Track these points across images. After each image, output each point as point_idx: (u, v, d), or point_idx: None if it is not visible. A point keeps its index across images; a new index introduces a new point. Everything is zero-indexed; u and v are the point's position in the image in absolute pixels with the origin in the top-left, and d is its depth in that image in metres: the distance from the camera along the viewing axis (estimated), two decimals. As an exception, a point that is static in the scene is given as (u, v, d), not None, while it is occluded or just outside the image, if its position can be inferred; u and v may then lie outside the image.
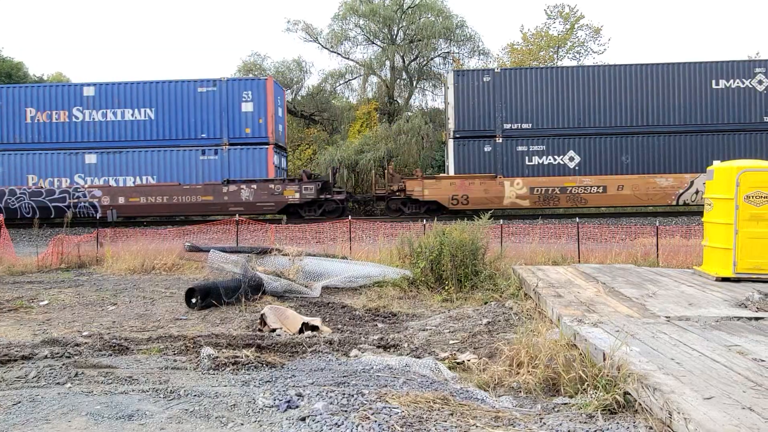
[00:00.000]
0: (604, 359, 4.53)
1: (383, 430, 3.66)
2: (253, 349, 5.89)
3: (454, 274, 9.95)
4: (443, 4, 37.50)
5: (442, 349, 6.34)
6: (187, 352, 6.05)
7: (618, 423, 3.82)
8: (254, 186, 22.26)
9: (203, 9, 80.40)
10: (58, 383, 4.86)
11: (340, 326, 7.69)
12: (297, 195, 22.37)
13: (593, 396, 4.25)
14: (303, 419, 3.88)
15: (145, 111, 22.71)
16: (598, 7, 65.39)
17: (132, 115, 22.72)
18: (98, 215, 22.40)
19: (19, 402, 4.34)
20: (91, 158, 22.70)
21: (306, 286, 9.78)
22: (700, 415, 3.36)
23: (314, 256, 11.64)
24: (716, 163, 9.26)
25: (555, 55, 36.85)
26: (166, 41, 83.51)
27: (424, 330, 7.35)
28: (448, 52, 38.51)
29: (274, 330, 7.17)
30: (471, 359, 5.80)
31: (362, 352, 6.10)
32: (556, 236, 14.96)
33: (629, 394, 4.08)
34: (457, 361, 5.85)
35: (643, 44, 67.35)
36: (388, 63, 37.54)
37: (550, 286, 8.15)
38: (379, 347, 6.41)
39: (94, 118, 22.77)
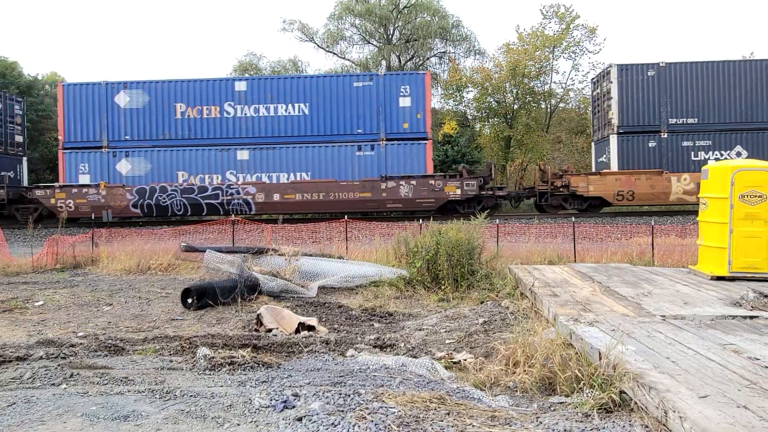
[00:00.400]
0: (600, 358, 4.54)
1: (380, 429, 3.65)
2: (249, 349, 5.88)
3: (450, 273, 9.96)
4: (439, 4, 37.59)
5: (439, 348, 6.35)
6: (183, 353, 6.04)
7: (614, 422, 3.83)
8: (413, 182, 21.77)
9: (198, 9, 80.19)
10: (53, 384, 4.84)
11: (336, 326, 7.69)
12: (458, 191, 21.86)
13: (589, 395, 4.26)
14: (299, 419, 3.87)
15: (299, 106, 22.24)
16: (594, 7, 65.56)
17: (286, 110, 22.26)
18: (252, 212, 21.93)
19: (14, 403, 4.32)
20: (243, 154, 22.22)
21: (302, 286, 9.77)
22: (696, 414, 3.38)
23: (310, 255, 11.63)
24: (711, 163, 9.29)
25: (551, 55, 36.92)
26: (161, 41, 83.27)
27: (420, 330, 7.35)
28: (444, 52, 38.59)
29: (270, 330, 7.16)
30: (467, 359, 5.80)
31: (359, 352, 6.10)
32: (552, 236, 14.98)
33: (625, 393, 4.09)
34: (454, 360, 5.85)
35: (638, 44, 67.56)
36: (384, 63, 37.53)
37: (546, 285, 8.17)
38: (375, 347, 6.41)
39: (246, 114, 22.30)
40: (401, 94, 22.09)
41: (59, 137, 22.65)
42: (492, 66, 37.23)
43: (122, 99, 22.43)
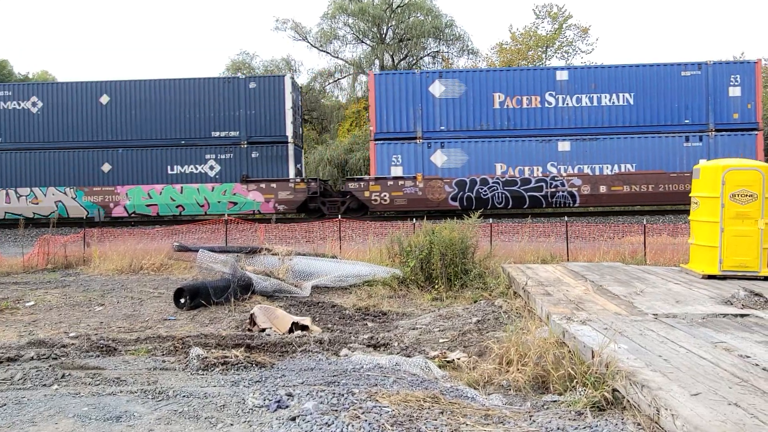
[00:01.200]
0: (593, 357, 4.55)
1: (373, 429, 3.65)
2: (242, 349, 5.86)
3: (443, 272, 9.97)
4: (432, 4, 37.56)
5: (432, 347, 6.35)
6: (176, 353, 6.01)
7: (607, 420, 3.84)
8: None
9: (191, 8, 79.87)
10: (44, 385, 4.81)
11: (330, 325, 7.68)
12: None
13: (582, 393, 4.27)
14: (293, 419, 3.86)
15: (623, 96, 21.57)
16: (586, 7, 65.84)
17: (609, 100, 21.59)
18: (576, 205, 21.56)
19: (5, 404, 4.28)
20: (564, 145, 21.57)
21: (296, 286, 9.75)
22: (688, 412, 3.40)
23: (304, 255, 11.61)
24: (702, 162, 9.35)
25: (543, 55, 37.04)
26: (153, 40, 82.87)
27: (414, 329, 7.36)
28: (437, 52, 38.58)
29: (263, 330, 7.15)
30: (461, 358, 5.81)
31: (352, 352, 6.10)
32: (545, 235, 15.04)
33: (618, 391, 4.10)
34: (447, 359, 5.86)
35: (631, 44, 67.91)
36: (377, 62, 37.51)
37: (539, 284, 8.19)
38: (369, 346, 6.41)
39: (567, 104, 21.66)
40: (731, 83, 21.48)
41: (371, 128, 22.11)
42: (485, 65, 37.33)
43: (437, 88, 21.79)
